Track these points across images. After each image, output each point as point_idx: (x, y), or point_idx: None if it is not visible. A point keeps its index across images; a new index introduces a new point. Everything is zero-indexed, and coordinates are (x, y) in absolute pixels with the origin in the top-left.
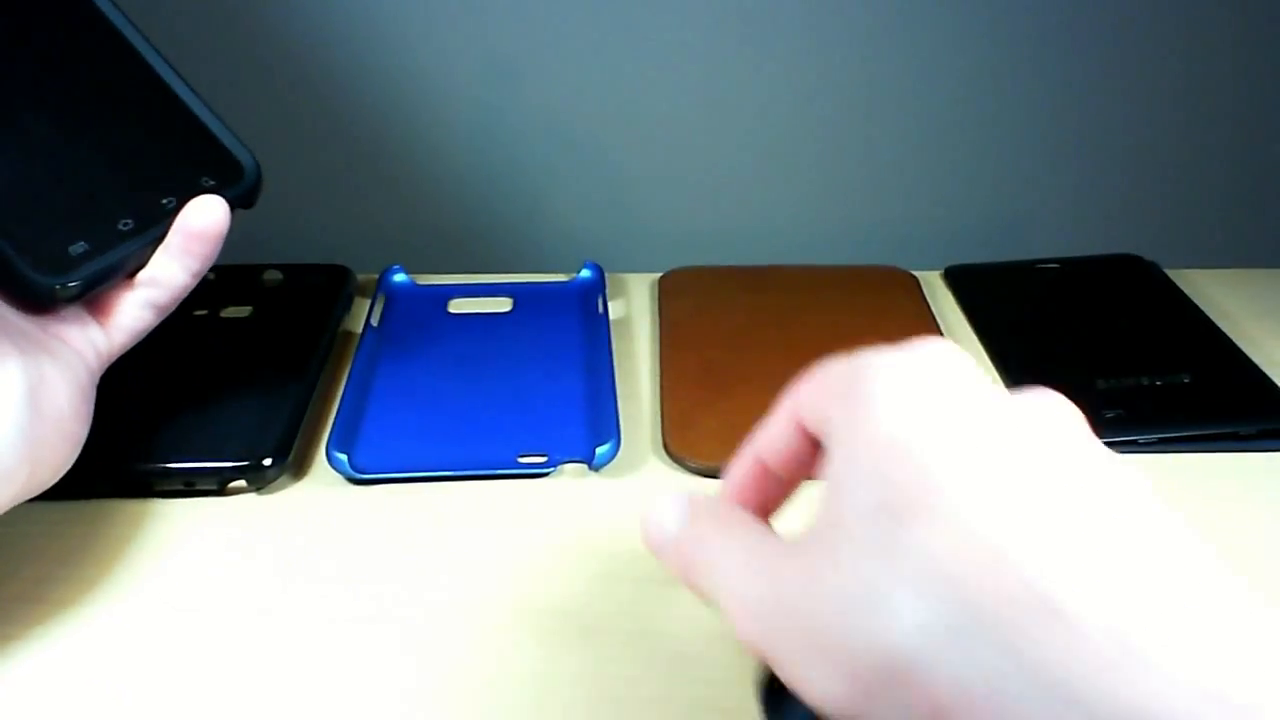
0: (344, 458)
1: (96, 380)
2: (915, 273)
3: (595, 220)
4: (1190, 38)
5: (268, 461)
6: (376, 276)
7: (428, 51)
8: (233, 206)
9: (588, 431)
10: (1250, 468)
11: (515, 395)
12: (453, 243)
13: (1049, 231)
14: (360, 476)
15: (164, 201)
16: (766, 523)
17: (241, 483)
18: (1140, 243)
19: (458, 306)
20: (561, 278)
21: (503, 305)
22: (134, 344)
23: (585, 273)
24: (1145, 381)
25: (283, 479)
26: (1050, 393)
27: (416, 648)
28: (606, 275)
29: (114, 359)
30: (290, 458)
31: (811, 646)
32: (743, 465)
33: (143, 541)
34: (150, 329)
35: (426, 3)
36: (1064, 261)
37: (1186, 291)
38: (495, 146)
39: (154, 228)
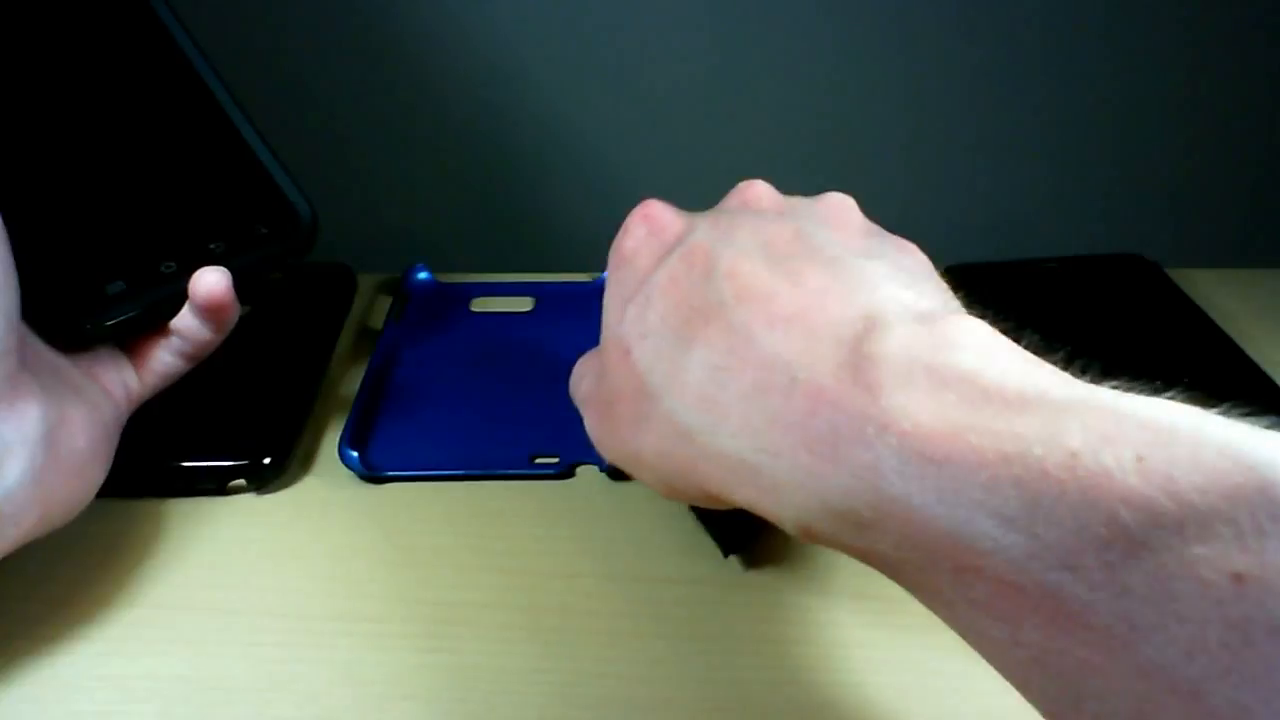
0: (356, 455)
1: (124, 421)
2: None
3: (604, 224)
4: (1190, 37)
5: (268, 461)
6: (399, 275)
7: (433, 50)
8: (284, 257)
9: None
10: None
11: (532, 397)
12: (458, 242)
13: (1049, 231)
14: (372, 475)
15: (212, 246)
16: None
17: (241, 482)
18: (1140, 243)
19: (480, 305)
20: (585, 278)
21: (524, 305)
22: (164, 387)
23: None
24: (1145, 381)
25: (283, 479)
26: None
27: (418, 648)
28: None
29: (144, 401)
30: (290, 457)
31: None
32: None
33: (142, 541)
34: (180, 375)
35: (432, 2)
36: (1064, 261)
37: (1187, 291)
38: (501, 147)
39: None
